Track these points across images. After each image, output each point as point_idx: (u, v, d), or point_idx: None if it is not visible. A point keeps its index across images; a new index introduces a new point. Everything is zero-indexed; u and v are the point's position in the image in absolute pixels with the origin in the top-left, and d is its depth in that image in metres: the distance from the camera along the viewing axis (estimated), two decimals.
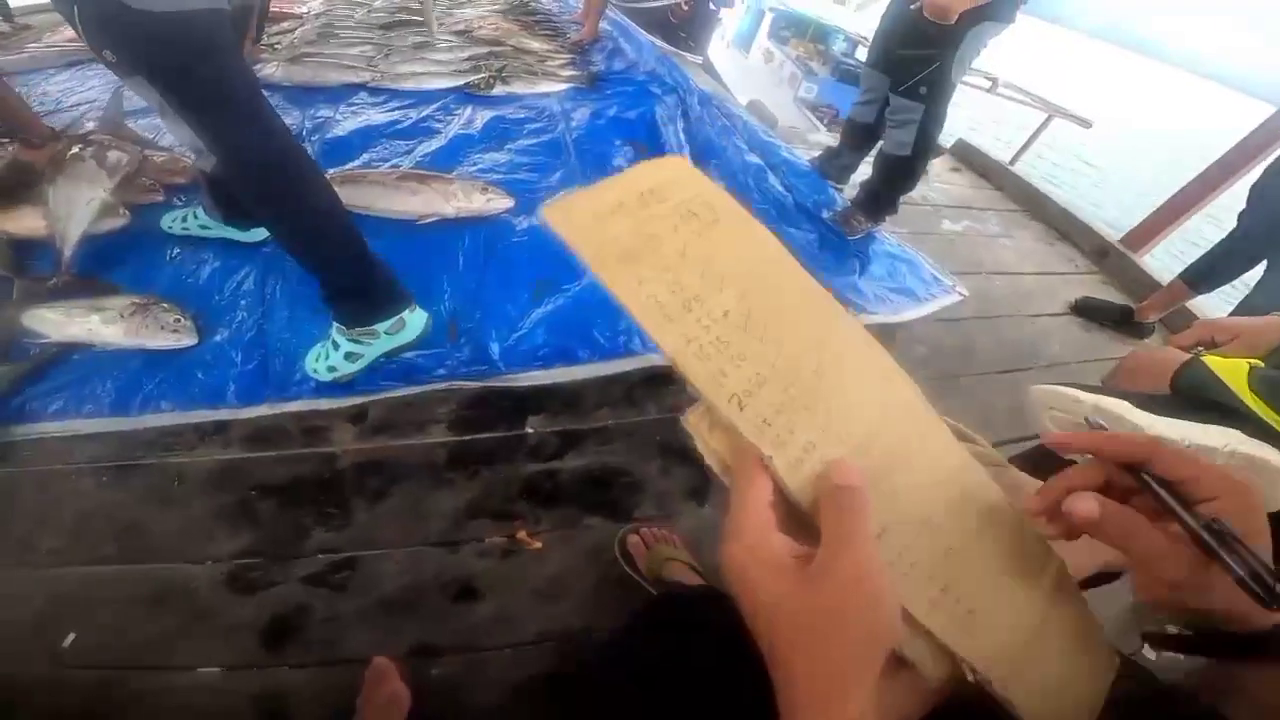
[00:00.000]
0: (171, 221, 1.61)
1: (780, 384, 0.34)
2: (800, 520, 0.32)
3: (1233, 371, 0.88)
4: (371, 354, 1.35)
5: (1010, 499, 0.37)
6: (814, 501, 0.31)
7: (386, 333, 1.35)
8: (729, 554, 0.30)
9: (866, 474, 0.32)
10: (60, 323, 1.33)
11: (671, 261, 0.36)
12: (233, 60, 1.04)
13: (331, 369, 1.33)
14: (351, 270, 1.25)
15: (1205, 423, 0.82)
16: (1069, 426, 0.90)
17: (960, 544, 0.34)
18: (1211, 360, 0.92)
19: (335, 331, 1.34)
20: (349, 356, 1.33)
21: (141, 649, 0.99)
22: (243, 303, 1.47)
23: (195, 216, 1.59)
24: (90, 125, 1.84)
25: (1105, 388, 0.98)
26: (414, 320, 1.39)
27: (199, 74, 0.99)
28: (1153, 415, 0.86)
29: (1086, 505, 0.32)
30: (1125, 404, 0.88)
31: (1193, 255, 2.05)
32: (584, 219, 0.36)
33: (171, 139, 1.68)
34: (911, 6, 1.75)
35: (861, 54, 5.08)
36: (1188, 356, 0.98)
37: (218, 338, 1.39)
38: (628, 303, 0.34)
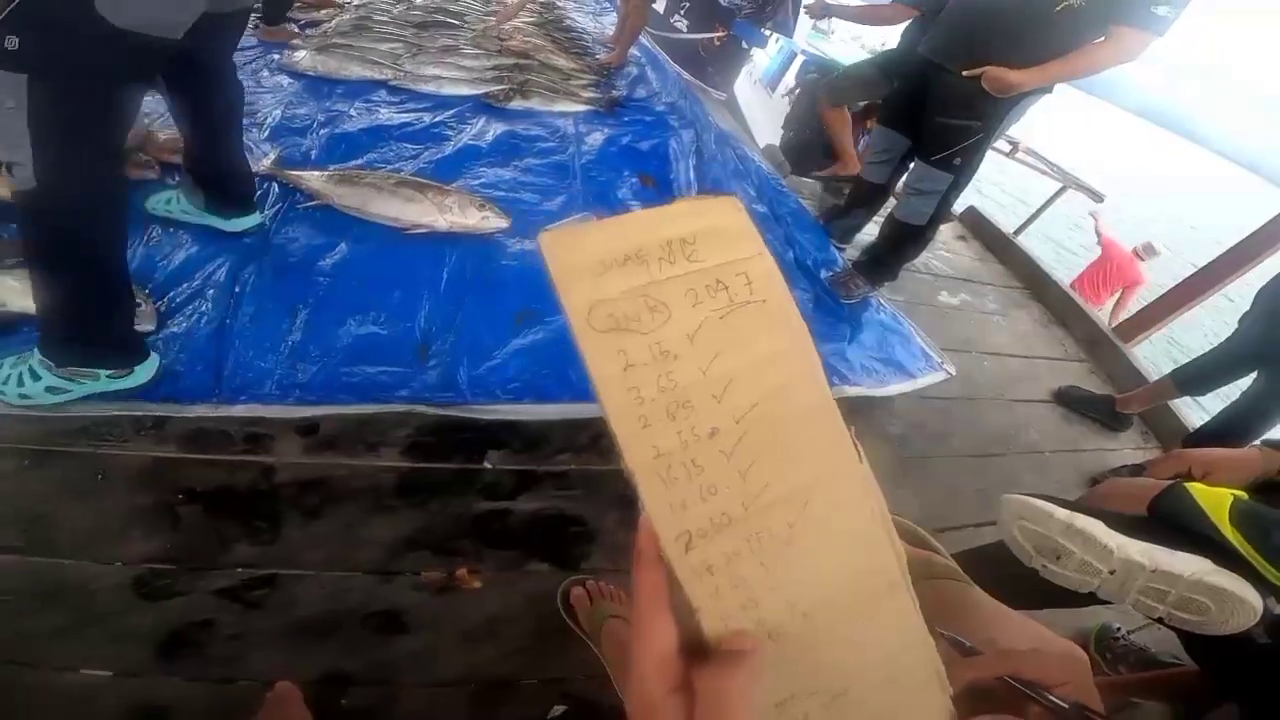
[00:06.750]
0: (156, 202, 1.57)
1: (745, 530, 0.29)
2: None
3: (1216, 501, 0.88)
4: (82, 393, 1.17)
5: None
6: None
7: (109, 376, 1.18)
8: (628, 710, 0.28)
9: (799, 640, 0.29)
10: (22, 291, 1.28)
11: (674, 345, 0.29)
12: (126, 90, 1.04)
13: (24, 396, 1.14)
14: (105, 322, 1.14)
15: (1178, 549, 0.84)
16: (1037, 538, 0.92)
17: None
18: (1196, 488, 0.91)
19: (39, 363, 1.13)
20: (52, 390, 1.15)
21: (22, 643, 0.93)
22: (209, 293, 1.42)
23: (179, 200, 1.55)
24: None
25: (1080, 504, 0.98)
26: (144, 368, 1.22)
27: (94, 91, 0.96)
28: (1123, 537, 0.86)
29: None
30: (1099, 524, 0.88)
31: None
32: (585, 261, 0.29)
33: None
34: (964, 74, 1.63)
35: None
36: (1168, 484, 0.98)
37: (175, 328, 1.33)
38: (603, 387, 0.28)
